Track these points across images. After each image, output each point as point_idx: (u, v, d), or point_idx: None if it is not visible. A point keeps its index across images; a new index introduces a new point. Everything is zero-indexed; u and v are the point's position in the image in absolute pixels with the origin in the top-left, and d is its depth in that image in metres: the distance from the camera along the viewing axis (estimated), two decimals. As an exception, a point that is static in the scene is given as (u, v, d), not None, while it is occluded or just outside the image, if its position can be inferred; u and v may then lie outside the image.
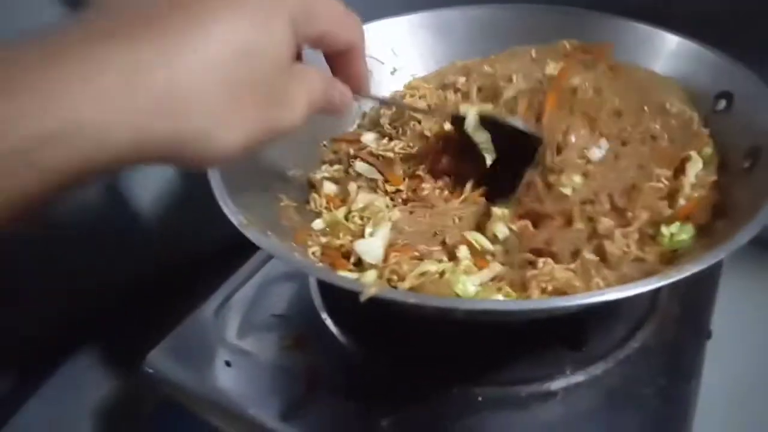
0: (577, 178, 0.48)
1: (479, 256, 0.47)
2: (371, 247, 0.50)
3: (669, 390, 0.48)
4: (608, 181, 0.49)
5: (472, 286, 0.45)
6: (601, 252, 0.45)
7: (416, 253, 0.50)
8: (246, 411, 0.51)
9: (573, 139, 0.49)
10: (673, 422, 0.47)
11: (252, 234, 0.44)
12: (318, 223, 0.57)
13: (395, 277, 0.47)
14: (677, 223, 0.47)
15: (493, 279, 0.47)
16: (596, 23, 0.65)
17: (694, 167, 0.49)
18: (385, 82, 0.71)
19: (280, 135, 0.35)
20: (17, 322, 0.67)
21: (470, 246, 0.48)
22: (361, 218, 0.55)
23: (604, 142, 0.50)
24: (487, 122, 0.53)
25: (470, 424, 0.48)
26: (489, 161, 0.54)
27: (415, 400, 0.50)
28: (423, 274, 0.46)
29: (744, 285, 0.61)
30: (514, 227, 0.48)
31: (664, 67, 0.61)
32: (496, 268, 0.46)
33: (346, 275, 0.47)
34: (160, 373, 0.56)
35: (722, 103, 0.55)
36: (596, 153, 0.50)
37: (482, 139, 0.53)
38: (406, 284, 0.45)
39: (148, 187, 0.76)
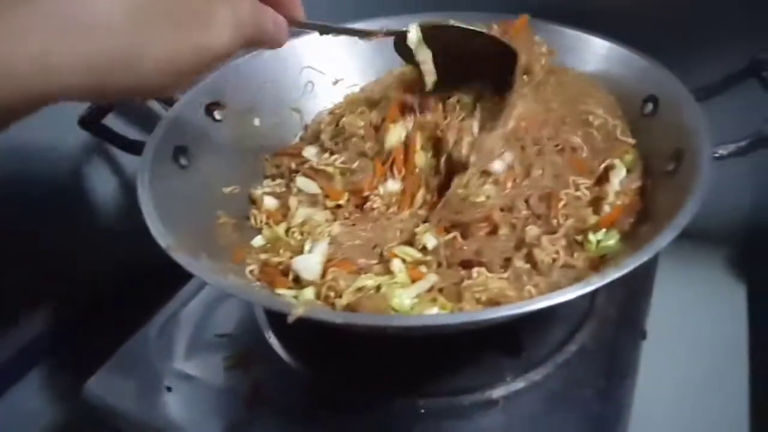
0: (488, 187, 0.49)
1: (413, 269, 0.47)
2: (309, 263, 0.49)
3: (607, 391, 0.49)
4: (522, 189, 0.50)
5: (408, 299, 0.44)
6: (531, 259, 0.46)
7: (355, 268, 0.49)
8: (187, 436, 0.50)
9: (473, 158, 0.50)
10: (611, 422, 0.47)
11: (180, 258, 0.43)
12: (258, 240, 0.57)
13: (332, 294, 0.46)
14: (603, 230, 0.48)
15: (429, 290, 0.47)
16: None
17: (618, 175, 0.50)
18: (327, 93, 0.70)
19: (210, 59, 0.35)
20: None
21: (404, 259, 0.48)
22: (301, 233, 0.55)
23: (507, 155, 0.51)
24: (435, 34, 0.53)
25: (414, 436, 0.48)
26: (429, 85, 0.54)
27: (358, 414, 0.50)
28: (360, 289, 0.46)
29: (680, 283, 0.62)
30: (441, 238, 0.48)
31: (594, 71, 0.62)
32: (431, 278, 0.46)
33: (279, 295, 0.46)
34: (99, 400, 0.55)
35: (649, 107, 0.56)
36: (497, 166, 0.50)
37: (424, 57, 0.54)
38: (344, 300, 0.45)
39: (85, 211, 0.74)
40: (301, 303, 0.39)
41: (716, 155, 0.47)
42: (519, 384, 0.50)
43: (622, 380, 0.49)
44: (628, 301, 0.55)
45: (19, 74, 0.29)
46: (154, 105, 0.74)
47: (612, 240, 0.46)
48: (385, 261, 0.50)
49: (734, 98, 0.57)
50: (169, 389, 0.54)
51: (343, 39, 0.71)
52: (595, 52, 0.63)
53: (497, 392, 0.49)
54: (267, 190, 0.62)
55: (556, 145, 0.52)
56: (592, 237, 0.47)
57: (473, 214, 0.47)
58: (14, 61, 0.28)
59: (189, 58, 0.34)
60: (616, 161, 0.52)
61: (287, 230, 0.56)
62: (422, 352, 0.50)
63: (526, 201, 0.49)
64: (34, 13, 0.29)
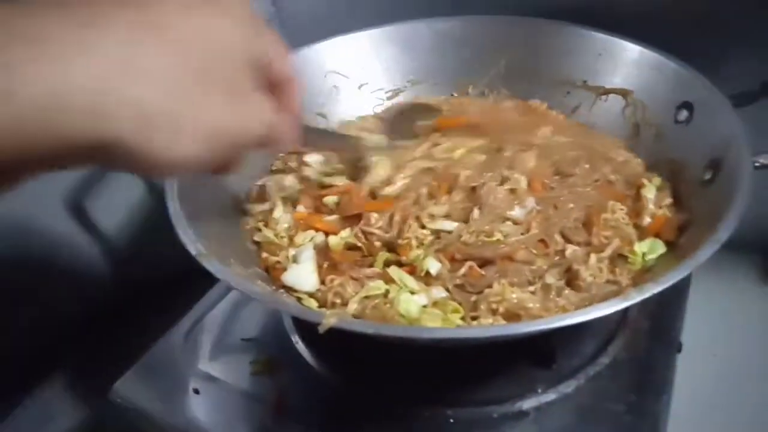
0: (506, 228, 0.48)
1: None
2: (300, 276, 0.49)
3: (640, 405, 0.48)
4: (552, 225, 0.49)
5: (416, 306, 0.44)
6: (570, 276, 0.45)
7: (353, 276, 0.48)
8: (214, 440, 0.50)
9: (492, 199, 0.50)
10: (646, 437, 0.46)
11: (210, 265, 0.43)
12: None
13: (339, 301, 0.46)
14: (648, 240, 0.47)
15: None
16: (555, 32, 0.64)
17: (649, 192, 0.50)
18: (353, 97, 0.70)
19: (242, 145, 0.33)
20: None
21: (411, 272, 0.48)
22: (289, 238, 0.54)
23: (530, 201, 0.51)
24: None
25: (442, 446, 0.47)
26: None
27: (386, 423, 0.50)
28: (367, 297, 0.45)
29: (714, 293, 0.61)
30: (445, 263, 0.48)
31: (625, 77, 0.61)
32: (441, 292, 0.46)
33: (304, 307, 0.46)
34: (127, 402, 0.55)
35: (683, 114, 0.55)
36: (518, 212, 0.50)
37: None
38: (350, 308, 0.45)
39: (113, 213, 0.75)
40: (332, 313, 0.38)
41: (757, 165, 0.46)
42: (550, 396, 0.49)
43: (657, 395, 0.48)
44: (662, 313, 0.54)
45: (74, 109, 0.25)
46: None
47: (658, 251, 0.45)
48: (384, 275, 0.48)
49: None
50: (196, 392, 0.54)
51: (367, 42, 0.72)
52: (626, 56, 0.62)
53: (528, 403, 0.48)
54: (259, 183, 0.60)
55: (596, 180, 0.52)
56: (637, 248, 0.46)
57: (494, 250, 0.47)
58: (70, 92, 0.24)
59: (230, 129, 0.31)
60: (645, 180, 0.51)
61: (276, 234, 0.55)
62: (452, 362, 0.49)
63: (562, 232, 0.48)
64: (106, 29, 0.26)
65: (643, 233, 0.48)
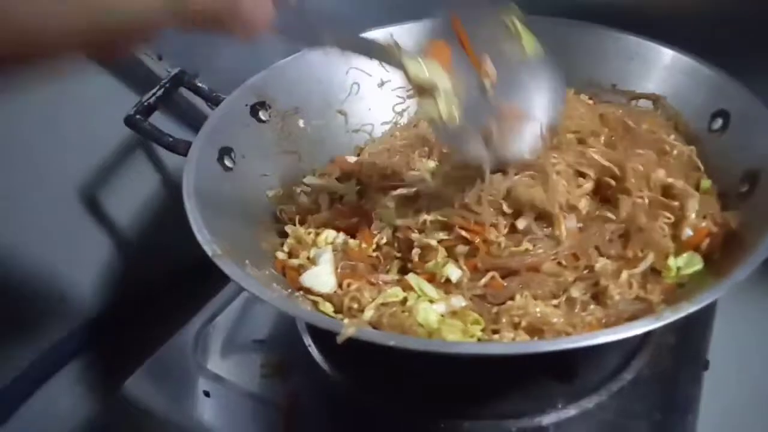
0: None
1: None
2: (319, 277, 0.47)
3: (665, 424, 0.46)
4: (589, 236, 0.46)
5: (434, 315, 0.42)
6: (599, 292, 0.43)
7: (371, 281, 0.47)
8: (223, 444, 0.49)
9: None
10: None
11: (226, 267, 0.42)
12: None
13: (356, 306, 0.45)
14: (686, 255, 0.44)
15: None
16: (585, 34, 0.62)
17: (694, 202, 0.46)
18: (373, 94, 0.69)
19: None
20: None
21: (430, 279, 0.46)
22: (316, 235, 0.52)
23: (572, 219, 0.47)
24: None
25: (458, 459, 0.46)
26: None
27: (400, 433, 0.48)
28: (384, 304, 0.44)
29: (745, 309, 0.59)
30: (465, 270, 0.46)
31: (657, 82, 0.59)
32: (460, 301, 0.44)
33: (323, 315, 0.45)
34: (136, 401, 0.54)
35: (718, 122, 0.53)
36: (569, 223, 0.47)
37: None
38: (366, 315, 0.43)
39: (126, 208, 0.74)
40: (351, 323, 0.37)
41: (796, 179, 0.44)
42: (570, 411, 0.47)
43: (683, 413, 0.46)
44: (689, 329, 0.52)
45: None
46: (200, 104, 0.73)
47: (695, 266, 0.43)
48: (403, 282, 0.47)
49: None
50: (206, 394, 0.53)
51: (391, 39, 0.70)
52: (658, 61, 0.59)
53: (547, 419, 0.47)
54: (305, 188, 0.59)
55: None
56: (672, 262, 0.44)
57: (520, 261, 0.44)
58: None
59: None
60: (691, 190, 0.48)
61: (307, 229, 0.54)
62: (471, 372, 0.48)
63: (597, 248, 0.46)
64: None
65: (681, 246, 0.45)
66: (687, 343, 0.51)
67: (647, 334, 0.51)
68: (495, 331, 0.42)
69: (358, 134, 0.67)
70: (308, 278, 0.47)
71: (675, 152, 0.52)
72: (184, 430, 0.52)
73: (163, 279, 0.74)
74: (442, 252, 0.47)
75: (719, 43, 0.56)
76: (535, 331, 0.42)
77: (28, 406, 0.68)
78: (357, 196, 0.56)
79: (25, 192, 0.66)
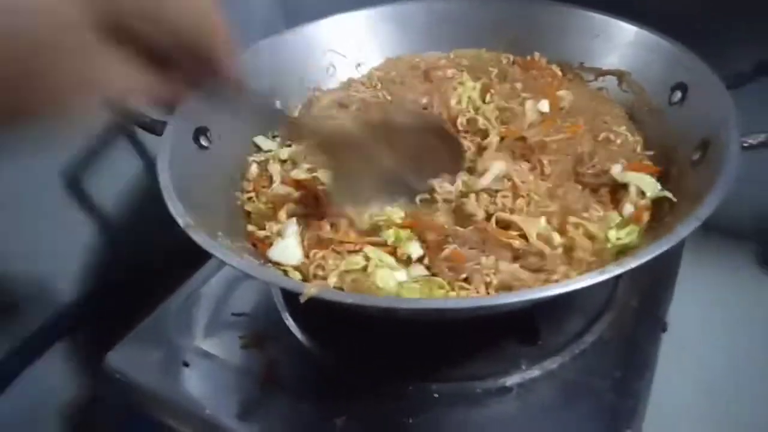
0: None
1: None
2: (286, 250, 0.49)
3: (624, 382, 0.48)
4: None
5: (394, 280, 0.44)
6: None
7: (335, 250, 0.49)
8: (203, 411, 0.51)
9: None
10: (627, 414, 0.47)
11: (198, 236, 0.43)
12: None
13: (321, 273, 0.46)
14: (627, 228, 0.47)
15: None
16: (552, 13, 0.64)
17: (630, 199, 0.49)
18: (348, 76, 0.70)
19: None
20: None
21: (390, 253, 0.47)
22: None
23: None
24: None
25: (426, 421, 0.48)
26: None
27: (371, 397, 0.50)
28: (347, 271, 0.45)
29: (705, 277, 0.61)
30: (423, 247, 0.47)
31: (620, 57, 0.61)
32: (421, 270, 0.46)
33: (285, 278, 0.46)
34: (119, 372, 0.56)
35: (677, 95, 0.55)
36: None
37: None
38: (330, 281, 0.45)
39: (109, 188, 0.76)
40: (313, 284, 0.39)
41: (745, 145, 0.45)
42: (534, 372, 0.49)
43: (640, 372, 0.48)
44: (650, 293, 0.54)
45: None
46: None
47: (632, 236, 0.45)
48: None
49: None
50: (186, 365, 0.55)
51: (365, 22, 0.71)
52: (622, 37, 0.61)
53: (512, 380, 0.49)
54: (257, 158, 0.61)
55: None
56: (612, 233, 0.46)
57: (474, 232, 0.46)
58: None
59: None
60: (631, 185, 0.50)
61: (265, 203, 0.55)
62: (437, 337, 0.50)
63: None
64: None
65: (624, 222, 0.48)
66: (647, 306, 0.53)
67: (610, 299, 0.53)
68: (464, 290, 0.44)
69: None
70: (276, 252, 0.49)
71: (618, 141, 0.56)
72: (166, 400, 0.54)
73: (147, 260, 0.76)
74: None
75: (681, 18, 0.57)
76: (506, 288, 0.44)
77: (17, 384, 0.70)
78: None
79: (9, 175, 0.67)
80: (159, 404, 0.54)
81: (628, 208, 0.49)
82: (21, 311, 0.70)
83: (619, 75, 0.62)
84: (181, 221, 0.45)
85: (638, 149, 0.55)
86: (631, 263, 0.37)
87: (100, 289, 0.75)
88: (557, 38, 0.65)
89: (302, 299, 0.38)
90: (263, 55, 0.65)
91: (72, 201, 0.72)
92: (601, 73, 0.63)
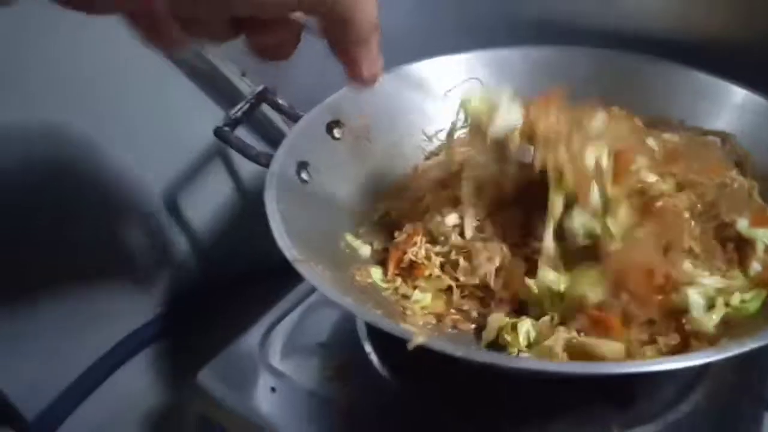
0: None
1: None
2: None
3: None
4: None
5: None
6: None
7: None
8: (284, 437, 0.52)
9: None
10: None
11: (305, 271, 0.45)
12: (365, 251, 0.58)
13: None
14: (753, 291, 0.45)
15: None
16: (656, 71, 0.64)
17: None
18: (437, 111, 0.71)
19: None
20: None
21: None
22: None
23: None
24: None
25: (508, 474, 0.47)
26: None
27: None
28: None
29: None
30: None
31: (727, 120, 0.59)
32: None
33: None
34: (208, 390, 0.58)
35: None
36: None
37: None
38: None
39: (201, 207, 0.79)
40: (421, 332, 0.40)
41: None
42: (623, 438, 0.48)
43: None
44: (749, 365, 0.52)
45: None
46: (276, 119, 0.79)
47: (756, 302, 0.44)
48: None
49: None
50: (273, 390, 0.56)
51: (463, 66, 0.72)
52: (729, 100, 0.60)
53: (599, 444, 0.48)
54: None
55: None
56: (736, 297, 0.44)
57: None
58: None
59: None
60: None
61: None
62: (526, 391, 0.49)
63: None
64: None
65: (750, 283, 0.46)
66: (747, 379, 0.51)
67: (705, 366, 0.52)
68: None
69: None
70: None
71: (735, 185, 0.53)
72: (248, 422, 0.55)
73: (233, 278, 0.79)
74: None
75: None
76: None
77: (102, 390, 0.74)
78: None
79: (114, 192, 0.72)
80: (244, 427, 0.55)
81: (755, 267, 0.46)
82: (114, 319, 0.74)
83: (723, 137, 0.60)
84: (288, 255, 0.47)
85: (755, 195, 0.53)
86: (751, 344, 0.36)
87: (187, 303, 0.79)
88: (658, 95, 0.64)
89: (410, 347, 0.38)
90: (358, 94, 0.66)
91: (169, 218, 0.76)
92: (702, 132, 0.62)
